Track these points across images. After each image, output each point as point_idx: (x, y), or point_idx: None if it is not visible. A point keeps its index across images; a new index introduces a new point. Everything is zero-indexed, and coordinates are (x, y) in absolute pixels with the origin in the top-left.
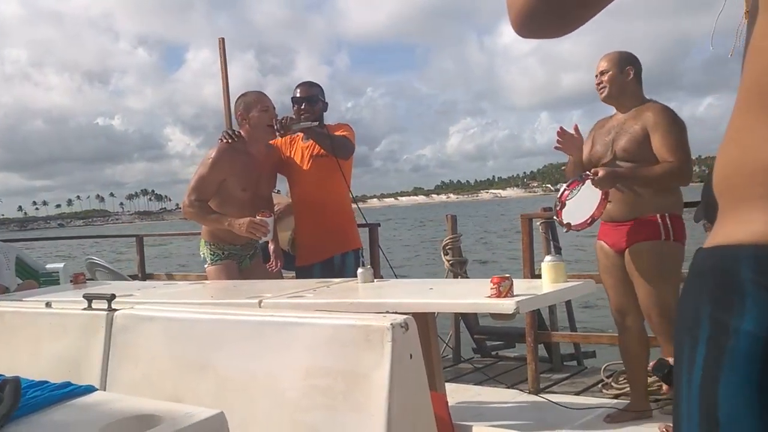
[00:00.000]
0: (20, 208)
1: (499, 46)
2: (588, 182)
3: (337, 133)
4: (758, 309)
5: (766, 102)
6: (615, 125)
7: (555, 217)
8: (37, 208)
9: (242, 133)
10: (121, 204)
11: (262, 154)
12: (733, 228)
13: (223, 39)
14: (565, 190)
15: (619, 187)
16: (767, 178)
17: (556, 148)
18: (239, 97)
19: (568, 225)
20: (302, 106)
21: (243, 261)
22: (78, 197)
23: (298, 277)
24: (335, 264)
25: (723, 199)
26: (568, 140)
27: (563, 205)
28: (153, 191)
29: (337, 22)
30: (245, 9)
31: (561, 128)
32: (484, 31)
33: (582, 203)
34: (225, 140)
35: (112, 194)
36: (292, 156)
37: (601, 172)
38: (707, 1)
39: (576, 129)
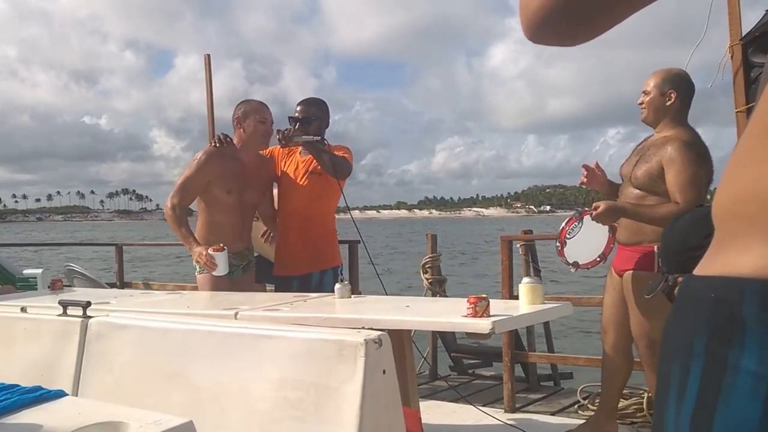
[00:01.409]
0: None
1: (487, 68)
2: (587, 219)
3: (336, 153)
4: (761, 347)
5: None
6: (645, 148)
7: (558, 256)
8: (16, 201)
9: (234, 138)
10: (102, 202)
11: (252, 162)
12: (737, 258)
13: (208, 55)
14: (563, 227)
15: None
16: None
17: (581, 184)
18: (241, 103)
19: (576, 264)
20: (296, 126)
21: (234, 271)
22: (58, 192)
23: (277, 286)
24: (313, 280)
25: (726, 225)
26: (591, 176)
27: (564, 243)
28: (134, 191)
29: (325, 36)
30: (233, 19)
31: (585, 165)
32: (473, 53)
33: (588, 240)
34: (214, 144)
35: (92, 191)
36: (286, 167)
37: (601, 207)
38: (695, 33)
39: (597, 165)
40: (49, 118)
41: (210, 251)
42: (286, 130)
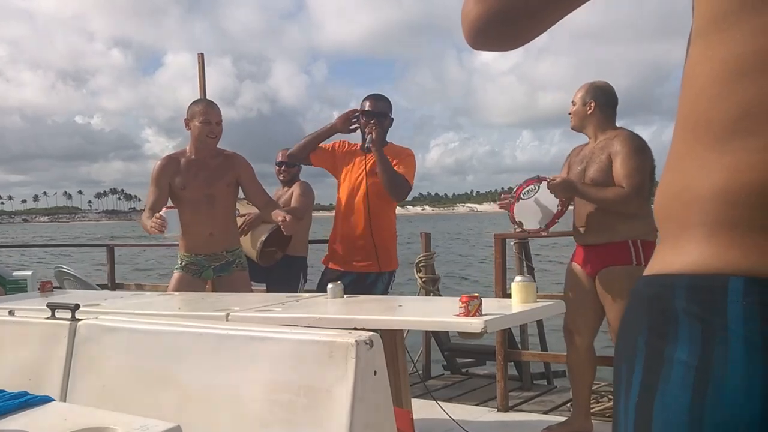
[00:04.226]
0: None
1: (477, 63)
2: (544, 185)
3: (398, 165)
4: (690, 338)
5: (699, 131)
6: (587, 154)
7: (507, 211)
8: (2, 203)
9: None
10: (90, 202)
11: (208, 157)
12: (670, 256)
13: (202, 54)
14: (521, 185)
15: (592, 213)
16: (702, 207)
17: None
18: (191, 104)
19: (521, 224)
20: (372, 121)
21: (204, 271)
22: (45, 193)
23: (323, 276)
24: (368, 281)
25: (661, 226)
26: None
27: (517, 199)
28: (122, 191)
29: (313, 32)
30: (221, 15)
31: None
32: (462, 48)
33: (538, 208)
34: None
35: (80, 192)
36: (349, 161)
37: (558, 179)
38: (685, 26)
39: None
40: (39, 119)
41: (162, 212)
42: (373, 132)
